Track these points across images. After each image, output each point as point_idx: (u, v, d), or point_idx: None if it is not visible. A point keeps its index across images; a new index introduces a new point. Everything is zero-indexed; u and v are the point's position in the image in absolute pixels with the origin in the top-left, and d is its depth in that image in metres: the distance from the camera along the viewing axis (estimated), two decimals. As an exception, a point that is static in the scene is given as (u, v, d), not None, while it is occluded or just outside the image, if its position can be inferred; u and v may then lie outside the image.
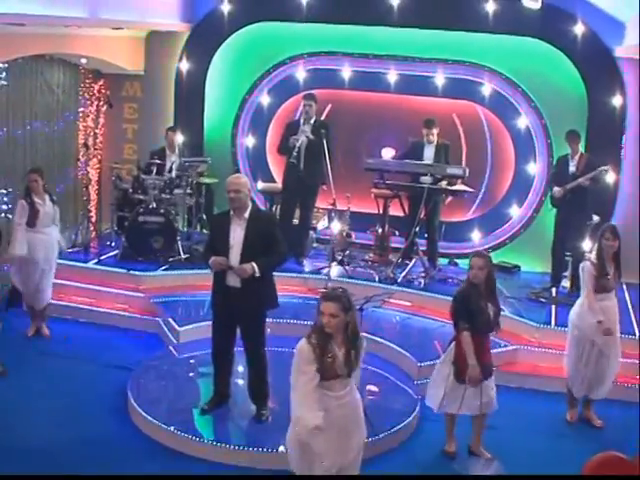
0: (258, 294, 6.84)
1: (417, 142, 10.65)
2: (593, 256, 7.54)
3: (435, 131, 10.50)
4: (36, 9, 8.46)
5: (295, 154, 10.15)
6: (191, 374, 8.18)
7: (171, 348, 8.76)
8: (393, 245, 11.18)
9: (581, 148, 10.08)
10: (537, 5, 10.23)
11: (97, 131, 12.07)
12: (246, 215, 6.81)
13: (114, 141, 12.25)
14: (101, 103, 12.05)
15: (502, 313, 8.95)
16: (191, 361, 8.38)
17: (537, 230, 11.15)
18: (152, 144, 11.45)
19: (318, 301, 5.18)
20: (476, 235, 11.52)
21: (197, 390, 7.81)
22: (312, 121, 10.33)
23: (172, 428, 6.86)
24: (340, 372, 5.13)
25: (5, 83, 10.18)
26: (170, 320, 9.12)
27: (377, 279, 10.28)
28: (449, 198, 10.80)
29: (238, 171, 11.72)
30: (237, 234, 6.77)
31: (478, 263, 6.61)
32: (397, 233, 11.21)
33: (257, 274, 6.70)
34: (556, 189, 9.88)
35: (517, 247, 11.31)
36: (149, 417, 7.06)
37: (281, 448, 6.44)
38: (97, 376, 8.15)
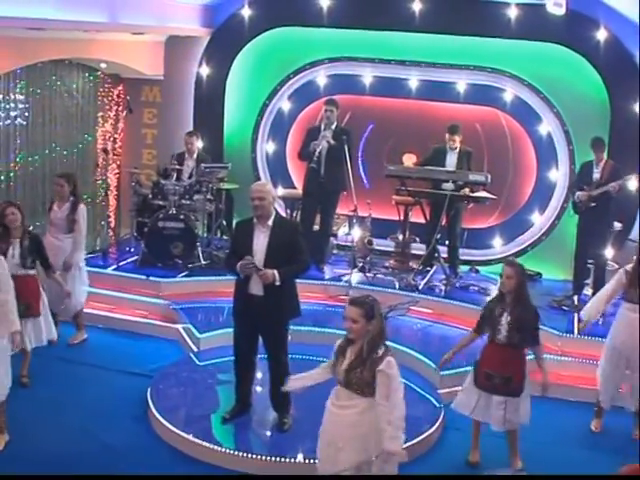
0: (281, 303, 6.78)
1: (439, 148, 10.56)
2: (630, 266, 7.52)
3: (458, 138, 10.42)
4: (55, 13, 8.45)
5: (316, 159, 10.07)
6: (212, 382, 8.12)
7: (191, 355, 8.68)
8: (413, 252, 11.09)
9: (605, 155, 9.99)
10: (561, 11, 10.12)
11: (116, 136, 12.04)
12: (270, 223, 6.74)
13: (133, 146, 12.22)
14: (120, 108, 12.03)
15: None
16: (211, 369, 8.32)
17: (559, 237, 11.04)
18: (171, 149, 11.41)
19: None
20: (497, 242, 11.42)
21: (218, 398, 7.74)
22: (333, 127, 10.24)
23: (192, 436, 6.80)
24: (339, 378, 5.18)
25: (24, 87, 10.19)
26: (190, 327, 9.05)
27: (397, 286, 10.20)
28: (470, 205, 10.70)
29: (258, 177, 11.68)
30: (260, 241, 6.71)
31: (506, 272, 6.59)
32: (417, 240, 11.11)
33: (277, 282, 6.63)
34: (581, 193, 9.76)
35: (539, 254, 11.18)
36: (169, 425, 6.99)
37: (300, 457, 6.47)
38: (116, 383, 8.09)
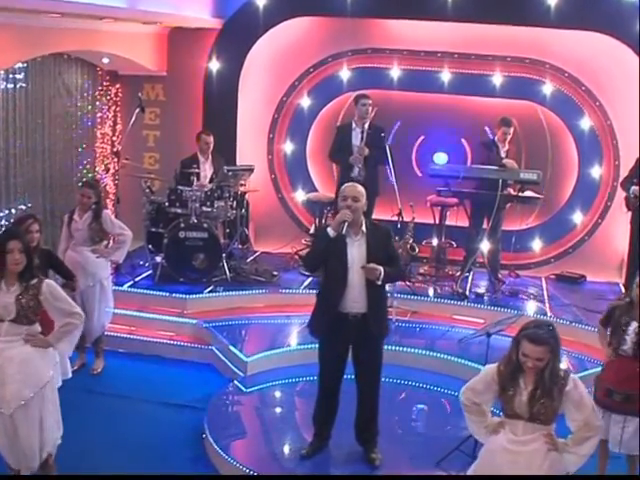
0: (381, 321, 5.96)
1: (488, 143, 9.75)
2: None
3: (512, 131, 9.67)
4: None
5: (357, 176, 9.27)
6: (272, 412, 7.26)
7: (236, 382, 7.67)
8: (450, 257, 10.31)
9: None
10: (639, -4, 9.47)
11: (114, 138, 10.95)
12: (363, 229, 5.86)
13: (133, 149, 10.99)
14: (118, 108, 10.98)
15: (580, 326, 8.60)
16: (266, 396, 7.47)
17: (602, 238, 10.43)
18: (176, 152, 10.40)
19: (518, 337, 4.51)
20: (537, 244, 10.69)
21: (286, 431, 6.75)
22: (365, 123, 9.37)
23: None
24: (519, 411, 4.54)
25: (24, 85, 9.13)
26: (232, 348, 8.07)
27: (433, 293, 9.47)
28: (508, 205, 9.95)
29: (276, 180, 10.79)
30: (356, 252, 5.81)
31: (637, 280, 5.98)
32: (454, 244, 10.32)
33: (379, 282, 5.79)
34: (636, 187, 9.12)
35: (581, 256, 10.51)
36: (240, 466, 6.04)
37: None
38: (158, 417, 7.13)
